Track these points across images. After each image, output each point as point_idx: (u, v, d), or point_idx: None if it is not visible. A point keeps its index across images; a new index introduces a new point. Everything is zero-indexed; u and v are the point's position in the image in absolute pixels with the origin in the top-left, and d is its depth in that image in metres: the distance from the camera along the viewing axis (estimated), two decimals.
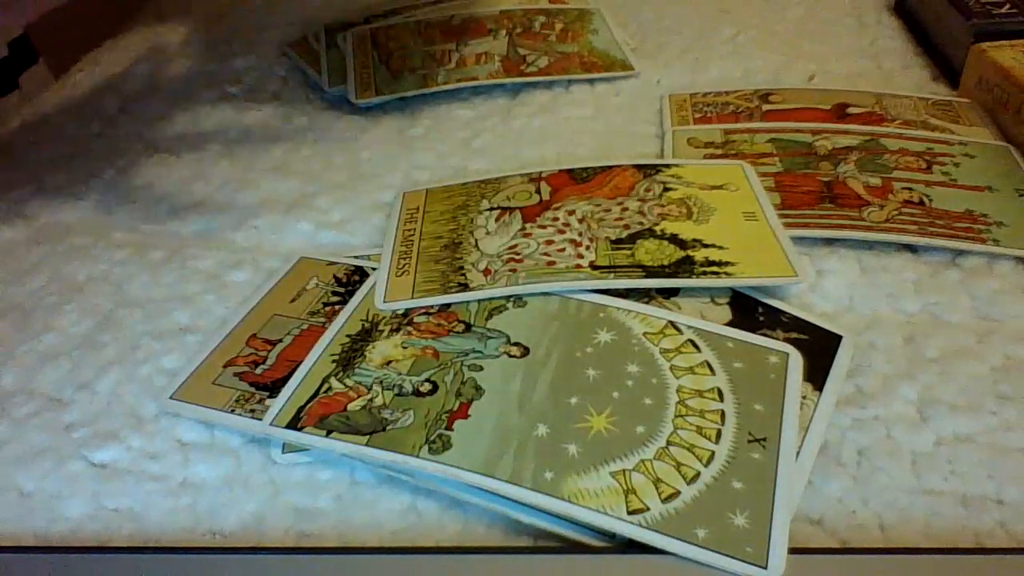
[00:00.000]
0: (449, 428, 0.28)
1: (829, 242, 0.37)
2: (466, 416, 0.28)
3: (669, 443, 0.27)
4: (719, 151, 0.42)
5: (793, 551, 0.24)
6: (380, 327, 0.32)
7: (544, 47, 0.53)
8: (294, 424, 0.29)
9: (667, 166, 0.40)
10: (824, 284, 0.35)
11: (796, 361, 0.30)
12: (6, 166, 0.47)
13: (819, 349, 0.31)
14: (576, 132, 0.46)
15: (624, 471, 0.26)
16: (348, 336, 0.32)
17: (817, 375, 0.30)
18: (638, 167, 0.40)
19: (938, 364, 0.31)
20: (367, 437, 0.28)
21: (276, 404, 0.30)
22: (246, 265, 0.38)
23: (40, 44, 0.54)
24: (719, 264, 0.33)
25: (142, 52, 0.58)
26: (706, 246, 0.34)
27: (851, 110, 0.45)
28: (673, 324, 0.31)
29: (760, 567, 0.24)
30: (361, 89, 0.49)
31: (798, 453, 0.27)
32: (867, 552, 0.25)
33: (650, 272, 0.33)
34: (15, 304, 0.37)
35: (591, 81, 0.50)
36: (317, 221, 0.40)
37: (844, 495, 0.27)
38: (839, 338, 0.32)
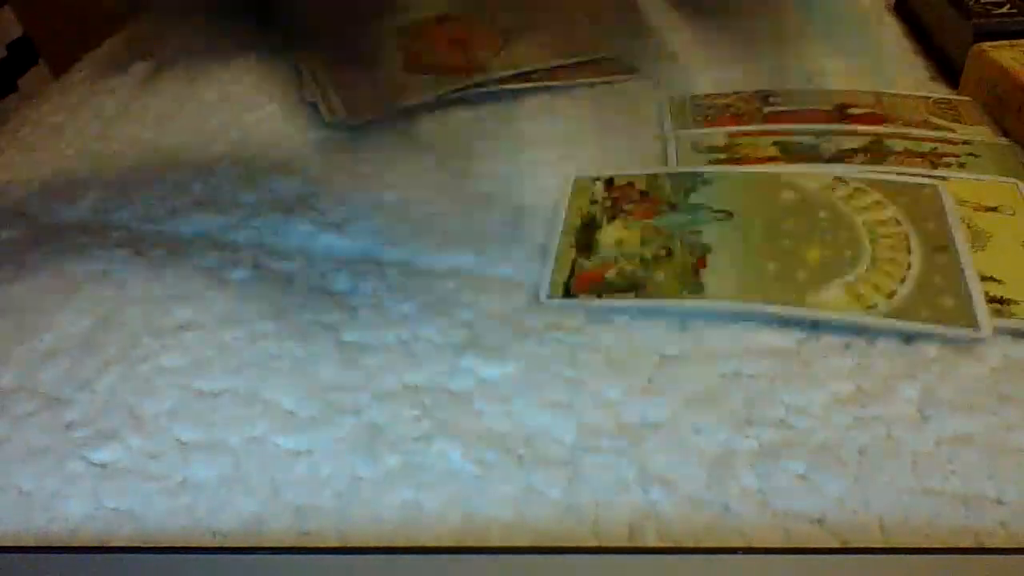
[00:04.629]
0: (696, 276, 0.34)
1: None
2: (705, 266, 0.34)
3: (874, 259, 0.34)
4: (724, 155, 0.42)
5: (793, 551, 0.24)
6: (597, 219, 0.38)
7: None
8: (567, 294, 0.34)
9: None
10: None
11: (944, 189, 0.36)
12: (6, 166, 0.47)
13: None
14: (576, 132, 0.46)
15: (849, 283, 0.33)
16: (575, 227, 0.38)
17: None
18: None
19: (938, 364, 0.31)
20: (633, 293, 0.34)
21: (543, 283, 0.35)
22: (246, 265, 0.38)
23: (41, 45, 0.54)
24: None
25: (142, 52, 0.58)
26: None
27: (852, 110, 0.45)
28: (839, 178, 0.38)
29: (974, 328, 0.31)
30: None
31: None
32: (867, 552, 0.25)
33: None
34: (15, 304, 0.37)
35: (591, 83, 0.50)
36: (317, 221, 0.40)
37: (844, 495, 0.27)
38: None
